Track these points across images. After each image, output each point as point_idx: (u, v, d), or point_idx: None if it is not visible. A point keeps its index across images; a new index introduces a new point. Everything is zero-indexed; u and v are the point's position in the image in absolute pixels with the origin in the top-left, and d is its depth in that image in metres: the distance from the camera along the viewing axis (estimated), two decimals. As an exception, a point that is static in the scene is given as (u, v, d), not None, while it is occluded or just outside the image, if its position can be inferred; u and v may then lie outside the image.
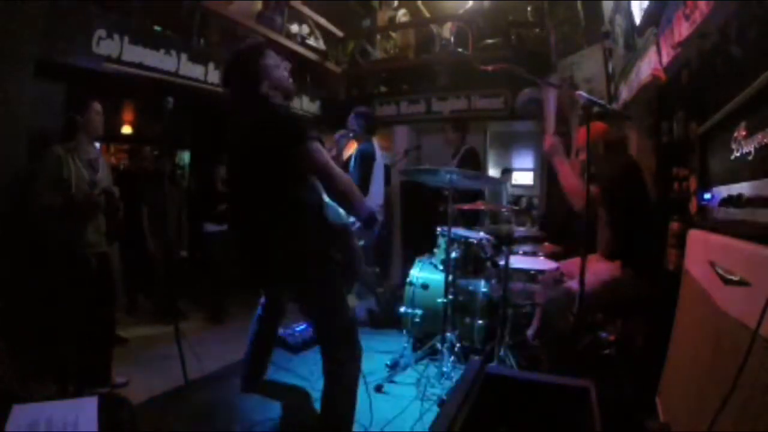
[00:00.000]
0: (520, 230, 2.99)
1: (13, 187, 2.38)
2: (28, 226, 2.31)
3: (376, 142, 3.94)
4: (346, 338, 1.86)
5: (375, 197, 3.77)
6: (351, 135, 3.60)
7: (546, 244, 3.21)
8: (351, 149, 3.77)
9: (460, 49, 5.11)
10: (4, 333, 2.11)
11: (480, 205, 3.17)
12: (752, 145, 1.20)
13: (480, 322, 3.06)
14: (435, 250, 3.43)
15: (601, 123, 2.41)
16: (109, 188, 2.53)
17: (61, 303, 2.29)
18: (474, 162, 4.18)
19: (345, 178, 1.77)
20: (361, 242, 2.02)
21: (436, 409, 2.35)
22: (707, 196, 1.57)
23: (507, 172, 6.03)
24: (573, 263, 2.36)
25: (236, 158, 1.93)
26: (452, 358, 2.78)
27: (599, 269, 2.24)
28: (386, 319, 3.73)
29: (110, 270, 2.63)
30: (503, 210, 4.01)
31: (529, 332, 2.72)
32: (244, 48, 1.94)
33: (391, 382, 2.70)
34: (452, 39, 5.42)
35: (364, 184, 3.57)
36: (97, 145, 5.84)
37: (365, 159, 3.67)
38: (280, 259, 1.81)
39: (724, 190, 1.40)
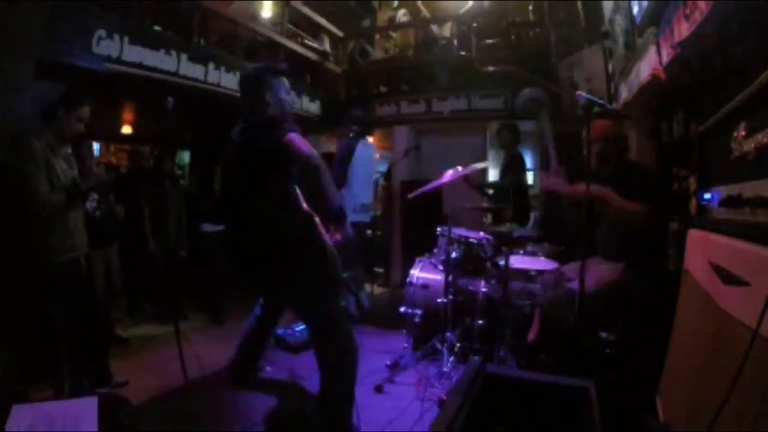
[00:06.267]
0: (520, 230, 2.98)
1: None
2: (14, 227, 2.16)
3: (370, 142, 4.09)
4: (336, 329, 1.90)
5: (358, 196, 3.94)
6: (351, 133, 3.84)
7: (546, 244, 3.21)
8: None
9: (461, 51, 5.11)
10: (2, 334, 2.11)
11: (482, 205, 3.16)
12: (752, 145, 1.20)
13: (480, 322, 3.06)
14: (435, 250, 3.43)
15: (604, 121, 2.38)
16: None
17: (53, 305, 2.22)
18: (518, 167, 4.13)
19: (324, 168, 1.85)
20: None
21: (436, 409, 2.35)
22: (707, 196, 1.57)
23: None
24: (573, 268, 2.35)
25: (231, 159, 2.06)
26: (452, 358, 2.78)
27: (600, 273, 2.24)
28: (386, 319, 3.72)
29: (96, 272, 2.64)
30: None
31: (530, 336, 2.71)
32: (263, 65, 2.19)
33: (391, 382, 2.69)
34: (453, 39, 5.42)
35: (339, 181, 3.70)
36: (97, 145, 5.88)
37: (343, 156, 3.89)
38: (264, 251, 1.93)
39: (724, 190, 1.40)
